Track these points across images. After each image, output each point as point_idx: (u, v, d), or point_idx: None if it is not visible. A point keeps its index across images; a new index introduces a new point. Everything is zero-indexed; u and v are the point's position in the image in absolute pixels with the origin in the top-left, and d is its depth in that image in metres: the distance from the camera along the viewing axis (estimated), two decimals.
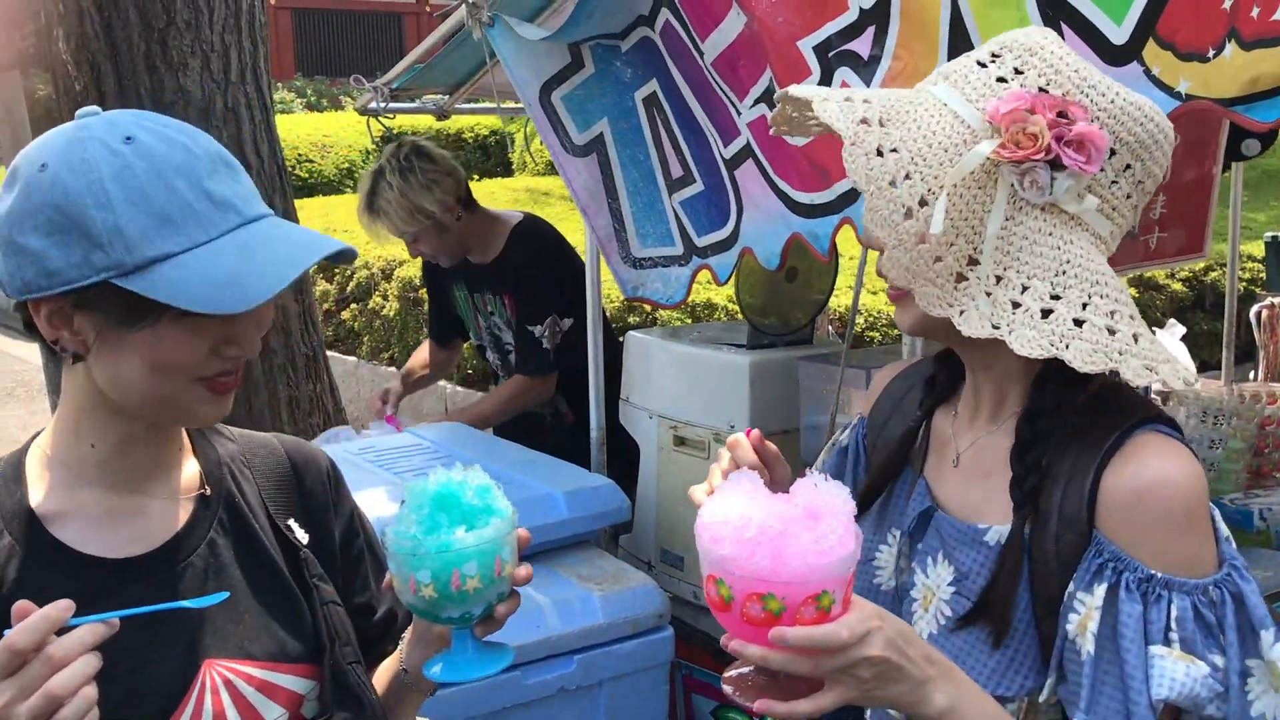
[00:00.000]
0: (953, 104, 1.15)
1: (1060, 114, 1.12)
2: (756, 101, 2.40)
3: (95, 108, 1.25)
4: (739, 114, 2.48)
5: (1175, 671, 1.07)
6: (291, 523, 1.31)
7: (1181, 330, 5.25)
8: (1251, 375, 5.28)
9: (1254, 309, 5.24)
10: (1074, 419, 1.20)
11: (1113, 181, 1.15)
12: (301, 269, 1.16)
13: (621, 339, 3.39)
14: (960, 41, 1.91)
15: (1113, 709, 1.09)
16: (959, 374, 1.36)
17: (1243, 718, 1.08)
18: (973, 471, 1.29)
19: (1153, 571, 1.10)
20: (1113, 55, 1.69)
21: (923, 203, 1.13)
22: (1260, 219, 9.33)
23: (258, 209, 1.20)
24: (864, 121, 1.16)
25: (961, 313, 1.14)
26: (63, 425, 1.28)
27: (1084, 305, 1.12)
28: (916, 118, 1.15)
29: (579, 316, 3.40)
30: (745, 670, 1.12)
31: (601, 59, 2.90)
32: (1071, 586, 1.15)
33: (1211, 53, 1.57)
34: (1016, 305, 1.13)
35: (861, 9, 2.06)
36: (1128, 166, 1.15)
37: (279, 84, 15.93)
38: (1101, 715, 1.10)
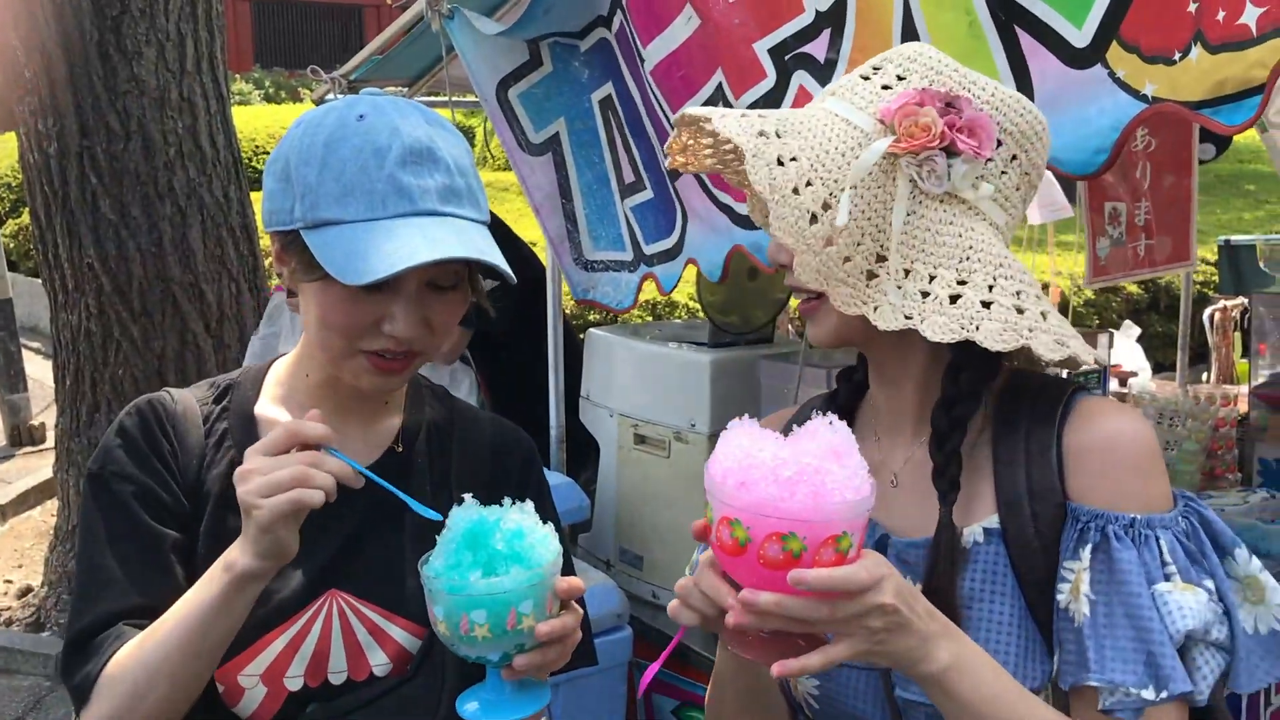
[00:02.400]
0: (843, 112, 1.19)
1: (948, 104, 1.16)
2: None
3: (378, 88, 1.37)
4: (673, 127, 2.44)
5: (1186, 602, 1.09)
6: (468, 497, 1.31)
7: (1137, 331, 5.32)
8: (1205, 377, 5.36)
9: (1207, 311, 5.33)
10: (1005, 406, 1.23)
11: (1003, 172, 1.19)
12: (414, 263, 1.20)
13: (582, 336, 3.37)
14: (912, 40, 1.89)
15: (1128, 658, 1.10)
16: (859, 392, 1.37)
17: (1241, 634, 1.12)
18: (917, 488, 1.26)
19: (1134, 516, 1.13)
20: (1074, 58, 1.68)
21: (825, 206, 1.15)
22: (1210, 222, 9.46)
23: (433, 205, 1.27)
24: (761, 134, 1.18)
25: (875, 309, 1.17)
26: (295, 353, 1.46)
27: (990, 288, 1.15)
28: (812, 128, 1.18)
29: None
30: (760, 633, 1.09)
31: (560, 58, 2.88)
32: (1060, 559, 1.16)
33: (1177, 55, 1.56)
34: (925, 295, 1.16)
35: (818, 11, 2.04)
36: (1014, 157, 1.20)
37: (237, 76, 15.75)
38: (1118, 669, 1.10)
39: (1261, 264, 4.32)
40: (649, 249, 2.80)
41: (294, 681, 1.31)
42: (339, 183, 1.25)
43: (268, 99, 16.84)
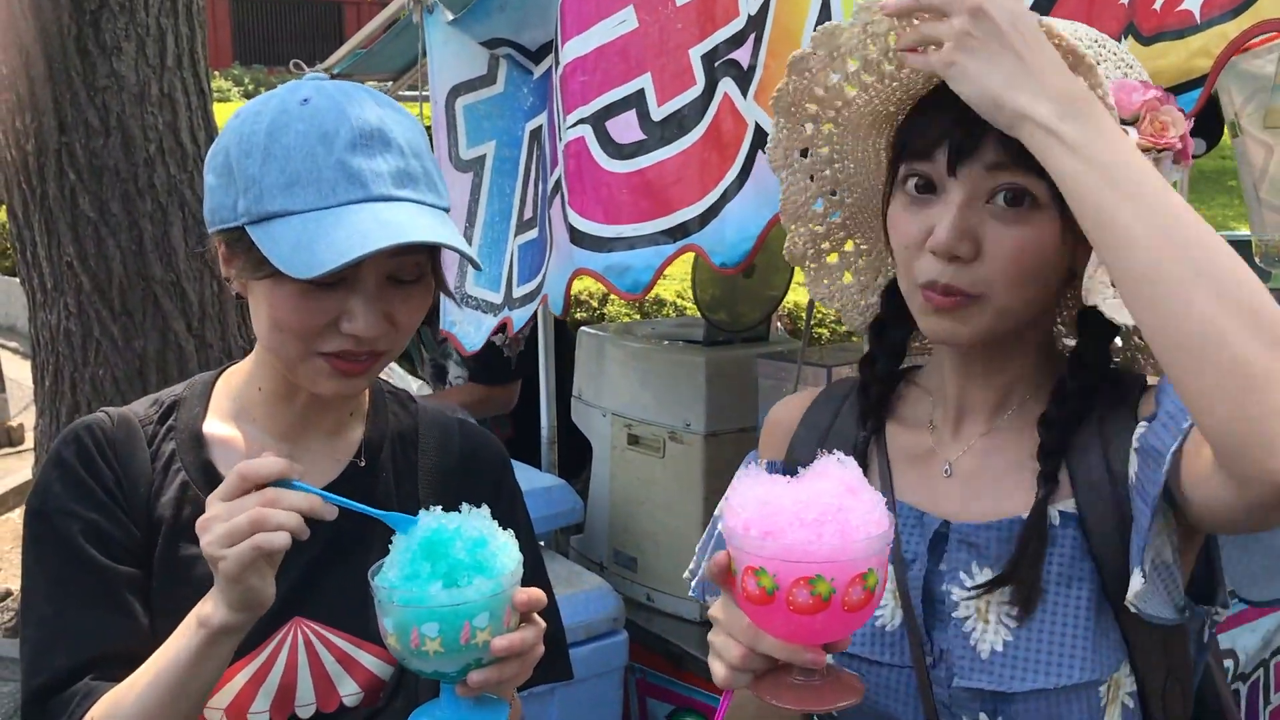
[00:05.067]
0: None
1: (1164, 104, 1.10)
2: (578, 124, 2.29)
3: (323, 74, 1.28)
4: (560, 138, 2.37)
5: None
6: (437, 509, 1.25)
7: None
8: None
9: None
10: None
11: None
12: (366, 250, 1.12)
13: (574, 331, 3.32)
14: None
15: None
16: (892, 380, 1.33)
17: None
18: (980, 475, 1.24)
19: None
20: None
21: None
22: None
23: (387, 189, 1.18)
24: None
25: (1104, 300, 1.10)
26: (246, 362, 1.36)
27: None
28: None
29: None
30: (780, 676, 1.05)
31: (512, 81, 2.83)
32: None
33: None
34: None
35: (749, 15, 2.00)
36: None
37: (216, 73, 15.63)
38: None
39: (1258, 260, 4.28)
40: (518, 291, 2.75)
41: (259, 717, 1.25)
42: (284, 172, 1.16)
43: (247, 96, 16.72)
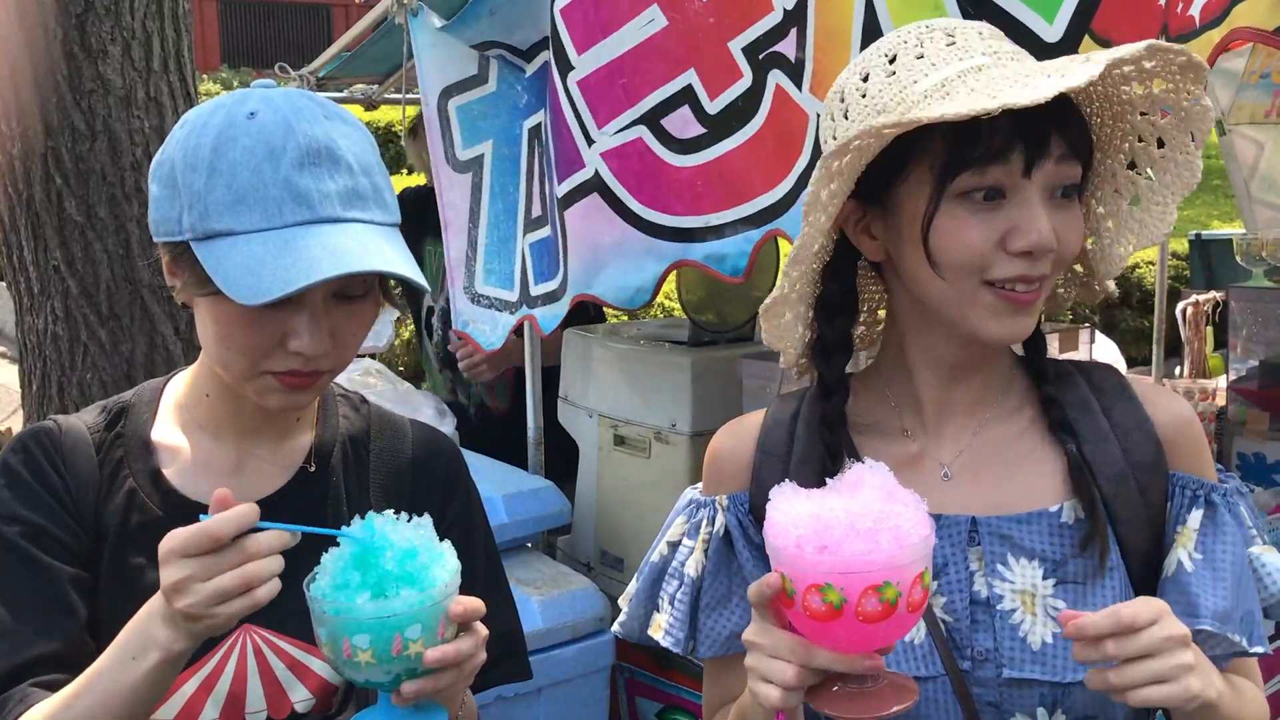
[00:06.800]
0: None
1: None
2: (631, 125, 2.27)
3: (271, 80, 1.26)
4: (590, 143, 2.34)
5: (1275, 563, 1.17)
6: (389, 513, 1.25)
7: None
8: (1177, 371, 5.38)
9: (1179, 306, 5.34)
10: (1062, 392, 1.27)
11: None
12: (312, 280, 1.11)
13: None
14: (873, 40, 1.84)
15: (1230, 611, 1.15)
16: (845, 391, 1.30)
17: None
18: (987, 471, 1.25)
19: (1213, 483, 1.22)
20: (1044, 53, 1.62)
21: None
22: (1181, 217, 9.52)
23: (334, 211, 1.17)
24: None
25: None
26: (193, 370, 1.35)
27: None
28: None
29: None
30: (831, 687, 1.05)
31: (504, 80, 2.82)
32: (1166, 529, 1.21)
33: None
34: None
35: (785, 10, 2.00)
36: None
37: (204, 76, 15.61)
38: (1224, 619, 1.14)
39: (1239, 258, 4.33)
40: (536, 289, 2.73)
41: None
42: (230, 190, 1.14)
43: None
